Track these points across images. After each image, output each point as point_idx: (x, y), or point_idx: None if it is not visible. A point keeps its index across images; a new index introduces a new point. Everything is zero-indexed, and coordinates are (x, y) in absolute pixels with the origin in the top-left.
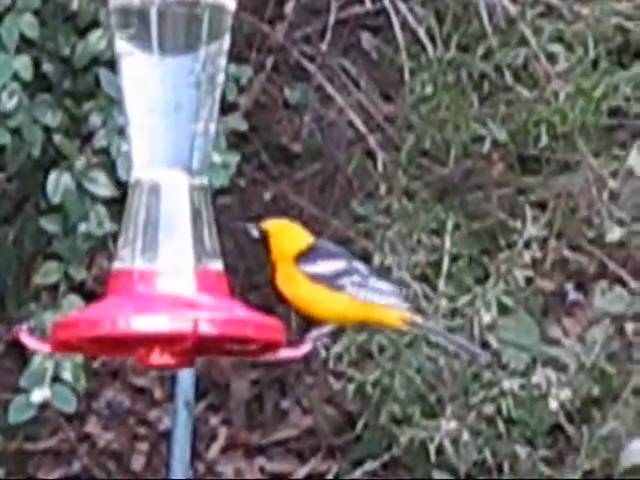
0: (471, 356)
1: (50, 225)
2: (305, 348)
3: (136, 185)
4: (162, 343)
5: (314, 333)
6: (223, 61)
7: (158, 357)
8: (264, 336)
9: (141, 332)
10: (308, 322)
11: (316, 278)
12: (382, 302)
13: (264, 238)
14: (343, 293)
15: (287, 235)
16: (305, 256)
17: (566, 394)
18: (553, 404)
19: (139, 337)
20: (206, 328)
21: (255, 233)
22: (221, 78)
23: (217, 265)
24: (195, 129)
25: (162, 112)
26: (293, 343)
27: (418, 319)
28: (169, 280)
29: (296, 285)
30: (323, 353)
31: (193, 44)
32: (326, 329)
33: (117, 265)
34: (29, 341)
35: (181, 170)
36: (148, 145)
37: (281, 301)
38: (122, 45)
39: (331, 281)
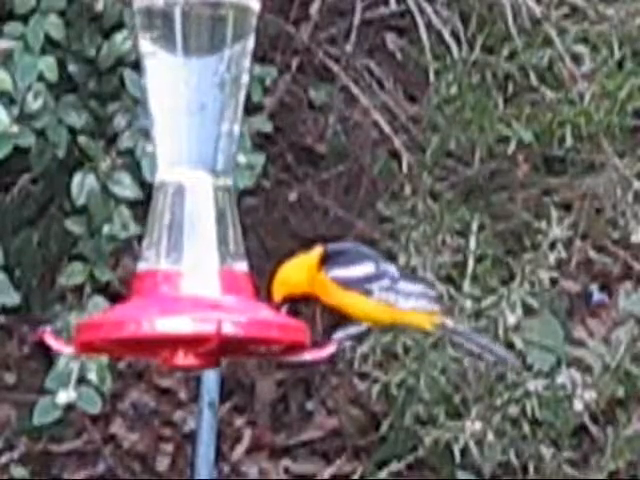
0: (501, 361)
1: (75, 226)
2: (330, 349)
3: (160, 186)
4: (186, 344)
5: (339, 334)
6: (247, 62)
7: (182, 358)
8: (288, 337)
9: (165, 334)
10: (335, 323)
11: (344, 282)
12: (411, 306)
13: (293, 302)
14: (372, 298)
15: (290, 275)
16: (332, 260)
17: (591, 395)
18: (578, 405)
19: (163, 338)
20: (230, 329)
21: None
22: (245, 79)
23: (242, 266)
24: (219, 130)
25: (186, 113)
26: (318, 344)
27: (449, 322)
28: (193, 281)
29: (327, 290)
30: (343, 353)
31: (217, 45)
32: (352, 330)
33: (141, 266)
34: (53, 343)
35: (205, 171)
36: (172, 146)
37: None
38: (146, 46)
39: (360, 285)
